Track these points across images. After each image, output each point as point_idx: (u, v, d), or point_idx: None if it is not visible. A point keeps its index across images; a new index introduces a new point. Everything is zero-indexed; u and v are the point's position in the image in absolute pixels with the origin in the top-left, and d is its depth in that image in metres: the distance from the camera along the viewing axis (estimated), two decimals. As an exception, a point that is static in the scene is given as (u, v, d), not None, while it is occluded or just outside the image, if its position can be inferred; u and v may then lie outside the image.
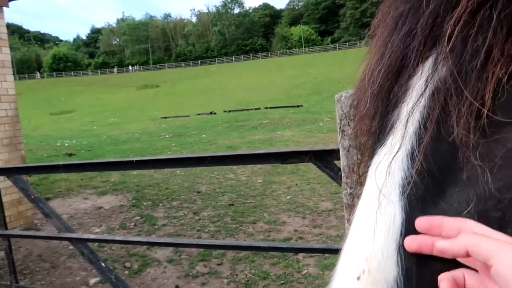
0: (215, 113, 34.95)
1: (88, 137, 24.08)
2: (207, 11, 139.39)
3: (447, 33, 0.55)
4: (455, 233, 0.53)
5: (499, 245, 0.48)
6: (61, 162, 2.80)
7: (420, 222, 0.55)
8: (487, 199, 0.53)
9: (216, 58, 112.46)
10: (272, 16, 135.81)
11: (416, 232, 0.56)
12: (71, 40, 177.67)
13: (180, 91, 63.00)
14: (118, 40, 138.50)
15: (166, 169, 13.33)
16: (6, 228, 3.17)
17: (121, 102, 55.62)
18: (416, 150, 0.58)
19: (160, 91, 68.04)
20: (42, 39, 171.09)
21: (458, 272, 0.53)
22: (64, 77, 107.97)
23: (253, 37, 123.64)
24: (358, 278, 0.58)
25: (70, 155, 16.75)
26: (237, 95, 49.13)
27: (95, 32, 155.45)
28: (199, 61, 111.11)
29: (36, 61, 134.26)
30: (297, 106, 31.93)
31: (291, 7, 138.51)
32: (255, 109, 34.15)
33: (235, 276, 5.43)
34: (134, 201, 9.65)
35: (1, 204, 3.14)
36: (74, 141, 22.09)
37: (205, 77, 76.76)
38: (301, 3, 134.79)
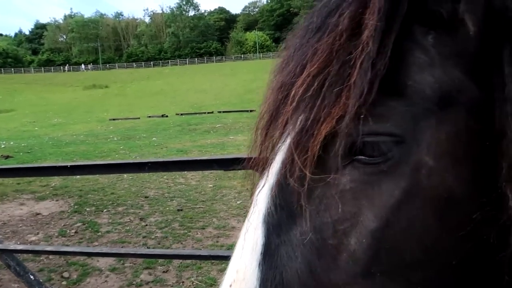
0: (167, 116, 34.24)
1: (28, 139, 22.62)
2: (161, 11, 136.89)
3: (292, 93, 0.72)
4: None
5: None
6: (-15, 165, 2.55)
7: None
8: (323, 230, 0.69)
9: (169, 60, 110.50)
10: (227, 20, 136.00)
11: (274, 253, 0.72)
12: (12, 34, 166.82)
13: (131, 92, 61.17)
14: (65, 37, 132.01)
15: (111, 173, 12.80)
16: None
17: (66, 102, 52.98)
18: (274, 187, 0.75)
19: (109, 91, 65.65)
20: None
21: None
22: (3, 74, 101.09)
23: (207, 41, 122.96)
24: (230, 286, 0.74)
25: (7, 157, 15.60)
26: (190, 98, 48.53)
27: (40, 28, 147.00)
28: (152, 63, 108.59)
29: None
30: (251, 111, 32.05)
31: (247, 12, 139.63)
32: (208, 112, 33.89)
33: (181, 284, 5.28)
34: (76, 206, 9.14)
35: None
36: (11, 143, 20.63)
37: (158, 79, 75.14)
38: (257, 9, 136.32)
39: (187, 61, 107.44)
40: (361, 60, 0.67)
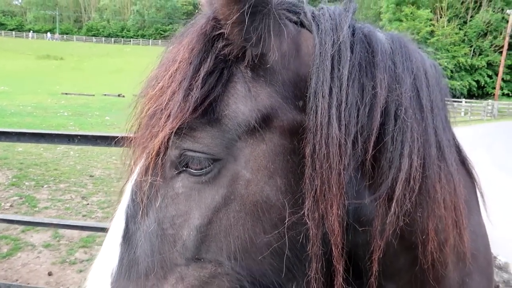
0: (123, 96, 33.19)
1: (-31, 104, 21.13)
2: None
3: (144, 110, 0.96)
4: None
5: None
6: None
7: None
8: (164, 222, 0.89)
9: (131, 39, 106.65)
10: (195, 5, 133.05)
11: (130, 236, 0.91)
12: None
13: (88, 67, 58.56)
14: (20, 1, 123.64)
15: (57, 148, 12.31)
16: None
17: (15, 70, 49.80)
18: (133, 184, 0.94)
19: (64, 64, 62.46)
20: None
21: None
22: None
23: (173, 23, 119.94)
24: (99, 260, 0.94)
25: None
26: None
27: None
28: (113, 39, 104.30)
29: None
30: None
31: None
32: (167, 97, 33.11)
33: (116, 264, 5.24)
34: (14, 179, 8.74)
35: None
36: (-51, 107, 19.20)
37: (117, 57, 72.38)
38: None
39: (150, 42, 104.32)
40: (173, 90, 0.87)
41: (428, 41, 49.39)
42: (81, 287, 0.99)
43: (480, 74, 52.64)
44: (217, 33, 0.87)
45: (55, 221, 1.89)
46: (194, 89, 0.85)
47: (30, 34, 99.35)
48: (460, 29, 53.69)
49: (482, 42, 53.31)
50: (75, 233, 6.16)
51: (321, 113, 0.87)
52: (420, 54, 1.12)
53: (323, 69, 0.89)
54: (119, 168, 6.38)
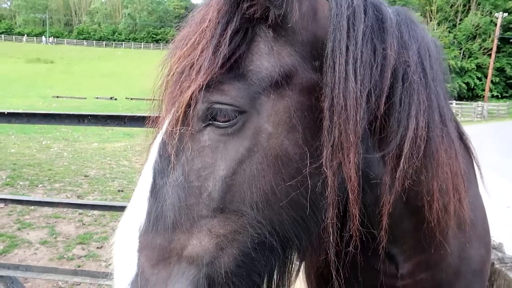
0: (115, 99, 33.09)
1: (-41, 107, 20.88)
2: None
3: (172, 71, 1.01)
4: None
5: None
6: None
7: None
8: (190, 175, 0.93)
9: (123, 42, 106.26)
10: (187, 8, 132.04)
11: (158, 190, 0.94)
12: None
13: (79, 71, 58.18)
14: (9, 4, 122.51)
15: (51, 149, 12.24)
16: None
17: (5, 73, 49.29)
18: (159, 141, 0.98)
19: (54, 67, 61.97)
20: None
21: None
22: None
23: (165, 27, 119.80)
24: (128, 213, 0.97)
25: None
26: (142, 83, 47.04)
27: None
28: (104, 43, 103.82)
29: None
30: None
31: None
32: (159, 99, 33.06)
33: (115, 260, 5.25)
34: (8, 179, 8.68)
35: None
36: None
37: (109, 60, 72.08)
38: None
39: (142, 45, 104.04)
40: (202, 47, 0.92)
41: (418, 44, 49.85)
42: (108, 244, 1.01)
43: (470, 76, 53.35)
44: None
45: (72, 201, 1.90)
46: (222, 46, 0.90)
47: (24, 37, 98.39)
48: (449, 32, 54.42)
49: (472, 44, 54.07)
50: (72, 230, 6.16)
51: (338, 69, 0.94)
52: (423, 28, 1.20)
53: (339, 29, 0.96)
54: (113, 168, 6.49)
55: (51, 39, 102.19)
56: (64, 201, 1.95)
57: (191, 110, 0.92)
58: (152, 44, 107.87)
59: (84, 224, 6.38)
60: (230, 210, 0.93)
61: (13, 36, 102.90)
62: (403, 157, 1.03)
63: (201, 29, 0.94)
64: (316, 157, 0.95)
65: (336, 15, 0.96)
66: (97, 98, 33.38)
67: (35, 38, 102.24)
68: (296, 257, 1.13)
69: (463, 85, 52.46)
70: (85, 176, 9.50)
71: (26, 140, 13.33)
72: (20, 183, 8.50)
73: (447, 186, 1.16)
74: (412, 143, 1.03)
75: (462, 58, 54.01)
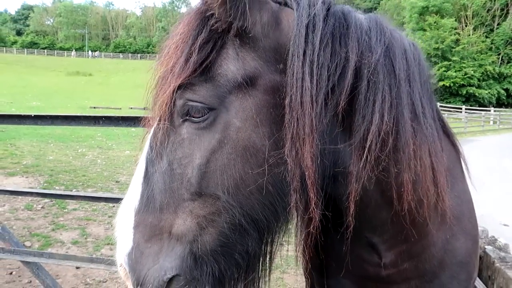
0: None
1: (4, 118, 22.20)
2: (153, 5, 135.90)
3: (156, 76, 1.21)
4: None
5: None
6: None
7: None
8: (173, 163, 1.12)
9: (157, 54, 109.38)
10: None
11: (149, 176, 1.13)
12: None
13: (115, 82, 60.50)
14: (51, 21, 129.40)
15: (86, 157, 12.82)
16: None
17: (47, 86, 51.98)
18: (151, 134, 1.17)
19: (92, 79, 64.74)
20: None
21: None
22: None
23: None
24: (127, 197, 1.18)
25: (-20, 133, 15.38)
26: (174, 93, 48.23)
27: (27, 9, 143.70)
28: (139, 55, 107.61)
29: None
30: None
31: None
32: (190, 109, 33.75)
33: (139, 259, 5.48)
34: (45, 184, 9.21)
35: None
36: (-14, 120, 20.24)
37: (143, 72, 74.18)
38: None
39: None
40: (176, 57, 1.11)
41: (454, 49, 48.65)
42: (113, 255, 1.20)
43: (509, 82, 51.22)
44: (209, 13, 1.10)
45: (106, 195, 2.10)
46: (193, 54, 1.08)
47: (73, 53, 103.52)
48: (486, 37, 52.61)
49: (511, 49, 52.00)
50: (101, 231, 6.47)
51: (296, 70, 1.08)
52: (398, 33, 1.32)
53: (298, 36, 1.11)
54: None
55: (96, 53, 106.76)
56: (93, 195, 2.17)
57: (171, 107, 1.10)
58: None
59: (113, 226, 6.68)
60: (206, 194, 1.09)
61: (55, 51, 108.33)
62: (366, 148, 1.15)
63: (176, 40, 1.14)
64: (280, 148, 1.10)
65: (297, 24, 1.12)
66: (131, 108, 34.51)
67: (75, 52, 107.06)
68: (272, 239, 1.27)
69: (502, 91, 50.40)
70: (116, 181, 9.91)
71: (63, 148, 14.04)
72: (56, 187, 8.99)
73: (422, 178, 1.25)
74: (376, 136, 1.15)
75: (501, 63, 51.96)
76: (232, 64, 1.10)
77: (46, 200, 8.01)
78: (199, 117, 1.09)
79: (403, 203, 1.25)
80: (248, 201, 1.11)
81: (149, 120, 1.28)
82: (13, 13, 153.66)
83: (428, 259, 1.43)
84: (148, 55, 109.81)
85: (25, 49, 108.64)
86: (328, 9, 1.20)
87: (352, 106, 1.16)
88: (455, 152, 1.61)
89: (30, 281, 4.74)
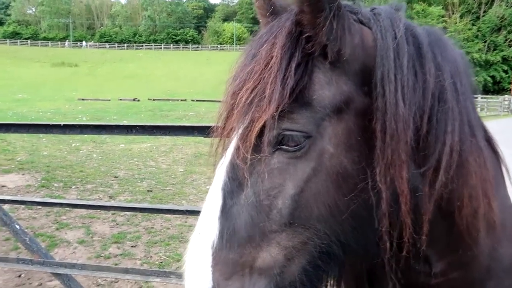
0: (138, 100, 33.73)
1: (-9, 112, 21.75)
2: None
3: (237, 101, 1.09)
4: None
5: None
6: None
7: None
8: (260, 195, 1.04)
9: (144, 44, 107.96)
10: (205, 9, 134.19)
11: (228, 210, 1.04)
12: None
13: (102, 73, 59.50)
14: (34, 10, 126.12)
15: (80, 151, 12.66)
16: None
17: (32, 78, 50.89)
18: (228, 165, 1.08)
19: (79, 70, 63.57)
20: None
21: None
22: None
23: (184, 28, 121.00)
24: (199, 234, 1.07)
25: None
26: (164, 84, 47.84)
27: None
28: (125, 45, 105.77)
29: None
30: (223, 102, 31.94)
31: (226, 3, 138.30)
32: (181, 100, 33.66)
33: (149, 258, 5.45)
34: (43, 181, 9.06)
35: None
36: (-27, 114, 19.81)
37: (131, 62, 73.38)
38: (236, 1, 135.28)
39: (162, 46, 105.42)
40: (271, 80, 1.04)
41: (441, 37, 48.81)
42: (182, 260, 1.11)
43: (495, 69, 51.93)
44: (303, 35, 1.06)
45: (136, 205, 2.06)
46: (288, 78, 1.03)
47: (84, 43, 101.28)
48: (473, 24, 53.06)
49: (497, 37, 52.60)
50: (107, 229, 6.41)
51: (389, 95, 1.07)
52: (452, 45, 1.31)
53: (387, 59, 1.08)
54: (141, 169, 6.69)
55: (91, 43, 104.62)
56: (100, 204, 2.11)
57: (263, 137, 1.03)
58: (172, 44, 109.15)
59: (118, 224, 6.63)
60: (298, 224, 1.06)
61: (39, 41, 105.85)
62: (441, 170, 1.15)
63: (266, 64, 1.07)
64: (370, 173, 1.08)
65: (383, 47, 1.09)
66: (120, 99, 34.11)
67: (59, 42, 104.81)
68: (353, 261, 1.27)
69: (489, 78, 51.10)
70: (115, 177, 9.80)
71: (56, 143, 13.81)
72: (55, 184, 8.86)
73: (476, 192, 1.27)
74: (449, 156, 1.16)
75: (487, 51, 52.57)
76: (327, 89, 1.07)
77: (46, 198, 7.89)
78: (294, 146, 1.04)
79: (462, 216, 1.27)
80: (340, 227, 1.09)
81: (220, 149, 1.19)
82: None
83: (477, 267, 1.45)
84: (134, 44, 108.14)
85: (7, 40, 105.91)
86: (405, 29, 1.17)
87: (427, 128, 1.16)
88: (496, 158, 1.62)
89: (41, 284, 4.69)
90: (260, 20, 1.30)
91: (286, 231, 1.05)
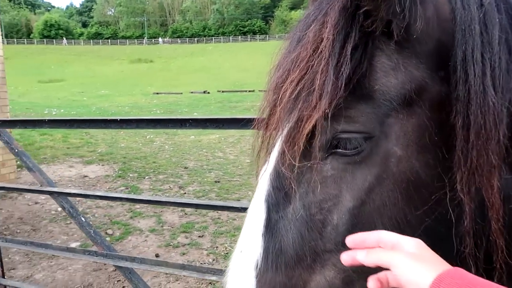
0: (208, 92, 34.69)
1: (77, 107, 23.78)
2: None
3: (280, 96, 0.88)
4: (375, 245, 0.77)
5: (396, 257, 0.73)
6: (46, 117, 2.79)
7: (348, 241, 0.81)
8: (311, 208, 0.85)
9: (213, 37, 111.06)
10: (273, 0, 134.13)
11: (273, 226, 0.87)
12: (64, 7, 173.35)
13: (174, 67, 62.27)
14: (113, 11, 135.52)
15: (154, 143, 13.28)
16: (-12, 182, 3.15)
17: (113, 75, 54.83)
18: (272, 173, 0.90)
19: (154, 66, 67.17)
20: (33, 4, 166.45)
21: (382, 274, 0.76)
22: (55, 45, 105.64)
23: (252, 19, 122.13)
24: (241, 252, 0.91)
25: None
26: (232, 76, 48.77)
27: (90, 1, 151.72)
28: (196, 39, 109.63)
29: (26, 26, 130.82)
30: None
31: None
32: (250, 91, 33.99)
33: (215, 248, 5.51)
34: (120, 172, 9.63)
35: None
36: (62, 110, 21.79)
37: (201, 56, 75.90)
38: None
39: (230, 38, 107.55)
40: (321, 69, 0.81)
41: None
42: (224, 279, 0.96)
43: None
44: (361, 10, 0.82)
45: (172, 199, 2.04)
46: (343, 65, 0.81)
47: (160, 40, 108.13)
48: None
49: None
50: (176, 219, 6.61)
51: (474, 81, 0.80)
52: None
53: (471, 35, 0.82)
54: (209, 160, 6.74)
55: (166, 39, 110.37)
56: (171, 200, 2.08)
57: (314, 140, 0.84)
58: (240, 36, 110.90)
59: (186, 214, 6.81)
60: None
61: (118, 40, 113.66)
62: None
63: (315, 48, 0.85)
64: (449, 179, 0.83)
65: (465, 18, 0.82)
66: (191, 92, 35.36)
67: (136, 40, 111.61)
68: None
69: None
70: (185, 168, 10.13)
71: (132, 135, 14.66)
72: (130, 175, 9.37)
73: None
74: None
75: None
76: (393, 76, 0.83)
77: (122, 187, 8.38)
78: (353, 149, 0.83)
79: None
80: None
81: (263, 151, 1.01)
82: (78, 6, 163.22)
83: None
84: (204, 38, 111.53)
85: (91, 40, 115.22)
86: None
87: None
88: None
89: (115, 269, 4.93)
90: None
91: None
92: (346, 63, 0.80)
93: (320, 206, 0.86)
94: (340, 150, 0.84)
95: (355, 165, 0.84)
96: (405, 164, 0.84)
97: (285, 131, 0.88)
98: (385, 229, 0.82)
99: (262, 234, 0.89)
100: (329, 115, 0.80)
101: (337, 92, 0.80)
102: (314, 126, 0.82)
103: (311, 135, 0.84)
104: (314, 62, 0.84)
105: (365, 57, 0.82)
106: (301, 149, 0.84)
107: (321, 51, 0.84)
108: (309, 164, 0.85)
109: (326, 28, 0.84)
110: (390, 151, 0.83)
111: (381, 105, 0.82)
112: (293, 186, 0.86)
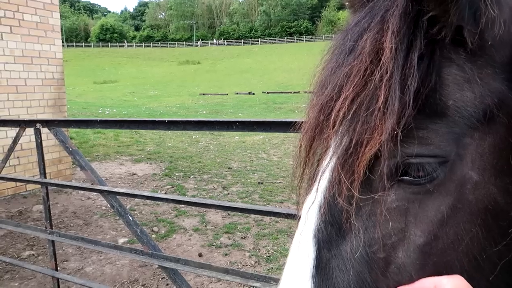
0: (253, 94, 34.92)
1: (128, 107, 24.81)
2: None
3: (332, 117, 0.76)
4: None
5: None
6: (98, 118, 2.89)
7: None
8: (372, 245, 0.73)
9: (259, 39, 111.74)
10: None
11: (325, 266, 0.76)
12: (119, 12, 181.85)
13: (221, 69, 63.29)
14: (164, 15, 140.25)
15: (199, 143, 13.54)
16: (45, 178, 3.33)
17: (162, 76, 56.68)
18: (322, 205, 0.78)
19: (201, 67, 68.68)
20: (91, 9, 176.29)
21: None
22: (109, 48, 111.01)
23: (298, 19, 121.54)
24: None
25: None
26: (278, 77, 48.76)
27: (142, 5, 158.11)
28: (242, 41, 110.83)
29: (84, 30, 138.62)
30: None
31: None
32: (295, 92, 33.81)
33: (257, 251, 5.48)
34: (166, 171, 9.90)
35: (42, 155, 3.29)
36: (114, 110, 22.82)
37: (247, 57, 76.58)
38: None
39: (276, 40, 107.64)
40: (384, 83, 0.70)
41: None
42: None
43: None
44: (425, 16, 0.73)
45: (216, 202, 2.04)
46: (409, 78, 0.70)
47: (215, 41, 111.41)
48: None
49: None
50: (219, 219, 6.67)
51: None
52: None
53: None
54: (253, 161, 6.72)
55: (220, 41, 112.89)
56: (216, 203, 2.08)
57: (379, 168, 0.73)
58: (286, 38, 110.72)
59: (229, 215, 6.85)
60: None
61: (168, 43, 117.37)
62: None
63: (373, 60, 0.75)
64: None
65: None
66: (237, 93, 35.76)
67: (184, 42, 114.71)
68: None
69: None
70: (229, 168, 10.22)
71: (179, 135, 15.05)
72: (176, 174, 9.61)
73: None
74: None
75: None
76: (468, 89, 0.71)
77: (168, 186, 8.59)
78: (424, 177, 0.72)
79: None
80: (488, 285, 0.76)
81: (303, 179, 0.91)
82: (131, 10, 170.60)
83: None
84: (250, 40, 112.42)
85: (143, 43, 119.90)
86: None
87: None
88: None
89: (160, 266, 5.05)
90: (347, 4, 0.95)
91: None
92: (413, 75, 0.70)
93: (383, 243, 0.75)
94: (407, 178, 0.73)
95: (425, 195, 0.73)
96: (482, 190, 0.73)
97: (338, 157, 0.77)
98: (461, 267, 0.73)
99: (312, 276, 0.78)
100: (397, 137, 0.69)
101: (405, 110, 0.69)
102: (378, 151, 0.72)
103: (374, 161, 0.73)
104: (374, 75, 0.74)
105: (433, 68, 0.72)
106: (361, 177, 0.74)
107: (382, 63, 0.73)
108: (376, 196, 0.75)
109: (386, 36, 0.74)
110: (466, 176, 0.73)
111: (457, 123, 0.72)
112: (352, 221, 0.76)
